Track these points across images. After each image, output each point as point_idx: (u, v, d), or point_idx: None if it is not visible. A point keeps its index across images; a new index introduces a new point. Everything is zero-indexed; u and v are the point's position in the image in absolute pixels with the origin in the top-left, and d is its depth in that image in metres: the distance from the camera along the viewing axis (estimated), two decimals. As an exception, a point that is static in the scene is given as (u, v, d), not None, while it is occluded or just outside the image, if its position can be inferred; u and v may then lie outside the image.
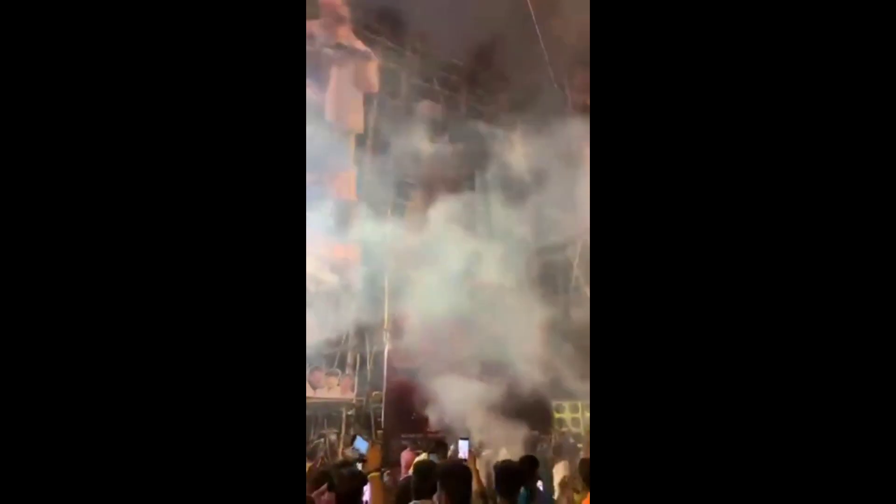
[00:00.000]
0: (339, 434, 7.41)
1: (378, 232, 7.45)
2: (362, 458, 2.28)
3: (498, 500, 2.24)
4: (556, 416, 7.61)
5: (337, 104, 7.67)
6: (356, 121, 7.96)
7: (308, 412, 7.38)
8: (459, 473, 2.08)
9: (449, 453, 3.60)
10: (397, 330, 7.93)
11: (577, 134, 7.20)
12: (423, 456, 3.93)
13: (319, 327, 6.90)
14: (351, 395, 7.51)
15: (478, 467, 2.53)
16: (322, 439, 7.35)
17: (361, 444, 2.33)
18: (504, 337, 6.82)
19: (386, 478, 3.80)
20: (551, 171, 7.69)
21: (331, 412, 7.40)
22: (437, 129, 8.63)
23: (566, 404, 7.64)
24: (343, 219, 7.36)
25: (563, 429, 7.51)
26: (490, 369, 6.76)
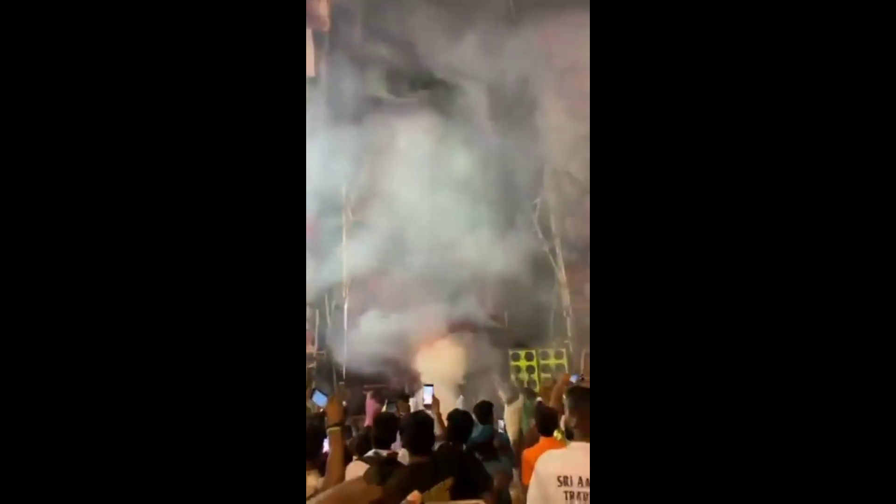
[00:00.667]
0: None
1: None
2: (322, 413, 2.30)
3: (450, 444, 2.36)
4: (512, 363, 7.95)
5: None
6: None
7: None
8: (421, 421, 2.14)
9: (412, 400, 3.72)
10: (356, 283, 7.92)
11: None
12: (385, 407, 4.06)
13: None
14: (311, 349, 7.53)
15: (441, 411, 2.65)
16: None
17: (320, 399, 2.34)
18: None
19: (353, 430, 3.89)
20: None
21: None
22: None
23: (522, 352, 7.99)
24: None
25: (520, 375, 7.89)
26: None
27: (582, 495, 1.34)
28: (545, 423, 3.00)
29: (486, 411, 3.63)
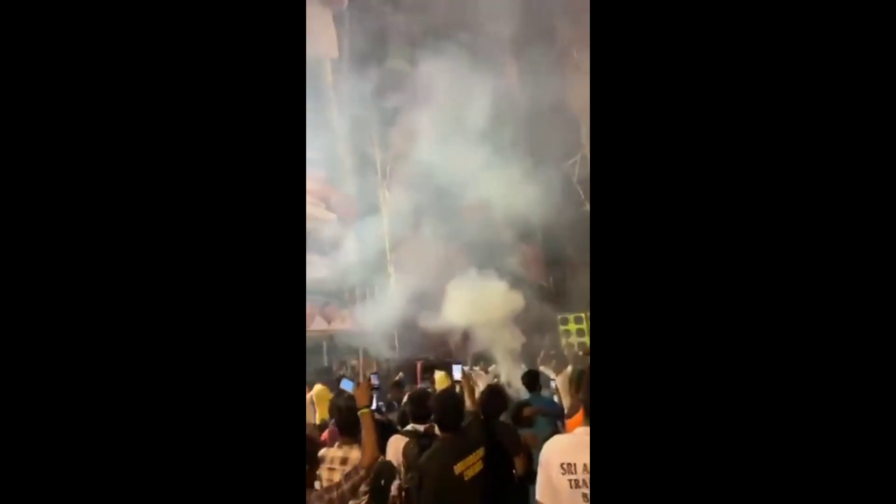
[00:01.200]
0: (358, 359, 7.74)
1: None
2: (351, 398, 2.36)
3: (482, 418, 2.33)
4: (562, 328, 7.82)
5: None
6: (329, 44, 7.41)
7: (327, 343, 7.70)
8: (446, 400, 2.12)
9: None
10: (400, 260, 7.99)
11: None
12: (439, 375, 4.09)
13: (327, 266, 6.94)
14: (358, 327, 7.72)
15: (474, 385, 2.61)
16: (344, 368, 7.71)
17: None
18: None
19: (395, 404, 3.96)
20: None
21: (351, 341, 7.65)
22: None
23: (570, 316, 7.83)
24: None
25: (570, 339, 7.75)
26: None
27: (584, 483, 1.25)
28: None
29: (533, 380, 3.59)
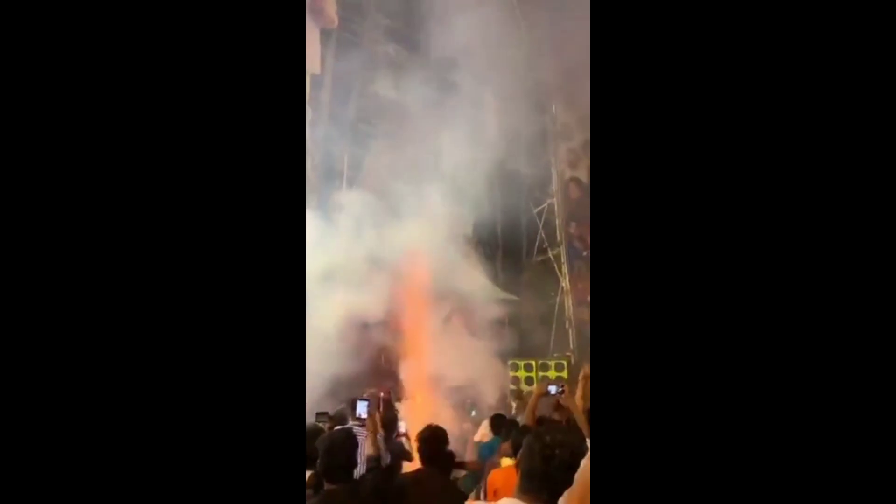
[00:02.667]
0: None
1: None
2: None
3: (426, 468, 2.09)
4: (511, 374, 7.62)
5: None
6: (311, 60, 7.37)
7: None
8: (340, 441, 1.88)
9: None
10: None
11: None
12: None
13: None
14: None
15: (377, 429, 2.35)
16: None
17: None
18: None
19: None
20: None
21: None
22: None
23: (521, 363, 7.65)
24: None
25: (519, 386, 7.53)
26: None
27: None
28: (515, 443, 2.71)
29: (500, 423, 3.45)
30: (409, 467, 3.28)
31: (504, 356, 7.43)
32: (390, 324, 6.55)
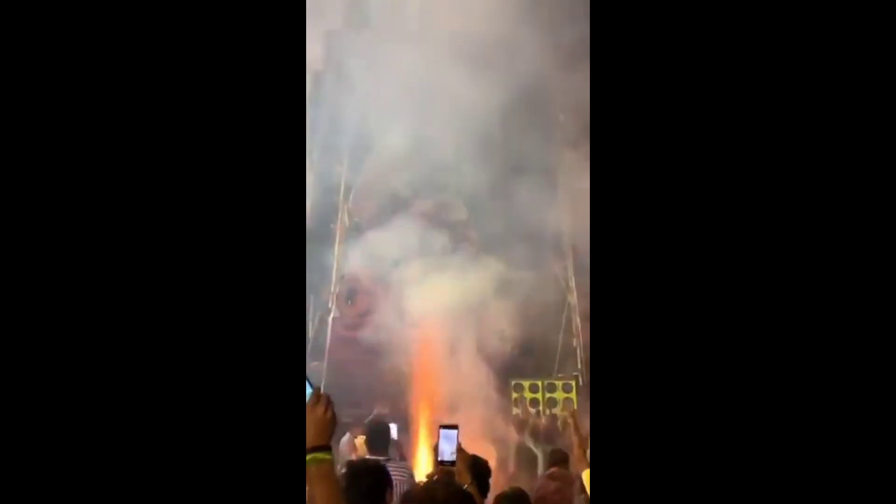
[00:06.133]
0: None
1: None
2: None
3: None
4: (514, 395, 7.06)
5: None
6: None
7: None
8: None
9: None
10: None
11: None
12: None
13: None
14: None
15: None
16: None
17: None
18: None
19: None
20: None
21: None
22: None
23: (525, 384, 7.12)
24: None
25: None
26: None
27: None
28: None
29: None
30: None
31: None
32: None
